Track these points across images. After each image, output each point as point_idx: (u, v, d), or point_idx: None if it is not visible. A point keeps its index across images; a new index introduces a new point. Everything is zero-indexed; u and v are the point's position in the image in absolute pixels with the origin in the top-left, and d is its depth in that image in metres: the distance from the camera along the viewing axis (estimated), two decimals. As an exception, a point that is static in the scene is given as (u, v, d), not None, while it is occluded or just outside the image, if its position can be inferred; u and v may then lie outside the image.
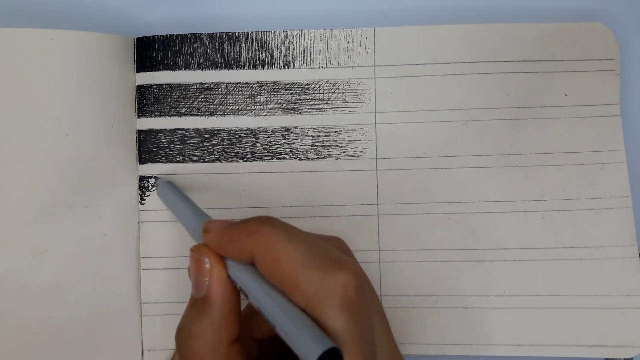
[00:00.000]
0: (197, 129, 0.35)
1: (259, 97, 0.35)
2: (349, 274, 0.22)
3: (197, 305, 0.25)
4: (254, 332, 0.28)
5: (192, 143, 0.35)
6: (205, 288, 0.24)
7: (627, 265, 0.34)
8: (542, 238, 0.34)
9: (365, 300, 0.23)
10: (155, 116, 0.35)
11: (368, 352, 0.22)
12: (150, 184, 0.34)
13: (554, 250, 0.34)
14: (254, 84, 0.35)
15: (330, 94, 0.35)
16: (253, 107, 0.35)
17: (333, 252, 0.24)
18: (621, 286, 0.33)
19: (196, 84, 0.35)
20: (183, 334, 0.24)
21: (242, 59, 0.35)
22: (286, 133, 0.35)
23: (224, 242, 0.25)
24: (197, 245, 0.26)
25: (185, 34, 0.35)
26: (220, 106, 0.35)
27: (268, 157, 0.35)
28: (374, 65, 0.35)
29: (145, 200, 0.34)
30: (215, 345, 0.24)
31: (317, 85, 0.35)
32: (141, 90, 0.35)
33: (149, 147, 0.35)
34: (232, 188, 0.34)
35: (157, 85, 0.35)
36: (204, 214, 0.29)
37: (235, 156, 0.35)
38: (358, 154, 0.35)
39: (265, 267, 0.23)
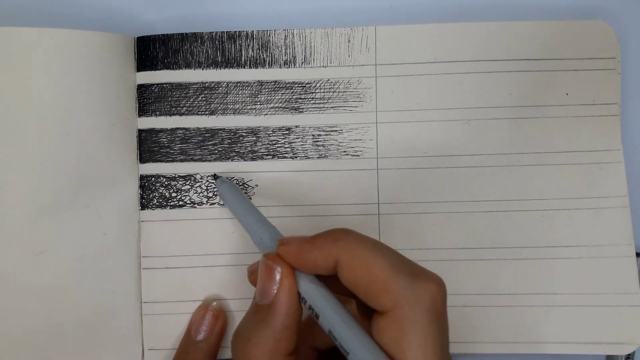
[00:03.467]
0: (198, 128, 0.34)
1: (259, 96, 0.35)
2: (437, 284, 0.23)
3: (260, 312, 0.25)
4: (313, 342, 0.28)
5: (192, 142, 0.34)
6: (271, 296, 0.25)
7: (624, 264, 0.34)
8: (542, 237, 0.34)
9: (446, 312, 0.24)
10: (156, 115, 0.34)
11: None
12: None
13: (553, 249, 0.34)
14: (254, 83, 0.35)
15: (331, 93, 0.35)
16: (254, 107, 0.35)
17: (415, 263, 0.24)
18: (618, 285, 0.34)
19: (197, 83, 0.34)
20: (241, 339, 0.25)
21: (243, 58, 0.35)
22: (287, 132, 0.35)
23: (304, 251, 0.25)
24: (271, 254, 0.26)
25: (186, 33, 0.34)
26: (221, 105, 0.35)
27: (269, 157, 0.35)
28: (375, 64, 0.35)
29: (144, 199, 0.34)
30: (272, 356, 0.24)
31: (318, 84, 0.35)
32: (142, 89, 0.34)
33: (149, 147, 0.34)
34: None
35: (157, 84, 0.34)
36: (268, 222, 0.29)
37: (236, 155, 0.34)
38: (359, 153, 0.35)
39: (352, 271, 0.23)
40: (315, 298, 0.25)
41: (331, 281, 0.25)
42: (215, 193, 0.34)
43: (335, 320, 0.24)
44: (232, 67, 0.35)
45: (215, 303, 0.34)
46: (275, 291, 0.25)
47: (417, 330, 0.22)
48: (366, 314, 0.25)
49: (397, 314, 0.22)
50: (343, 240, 0.24)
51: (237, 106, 0.35)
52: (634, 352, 0.34)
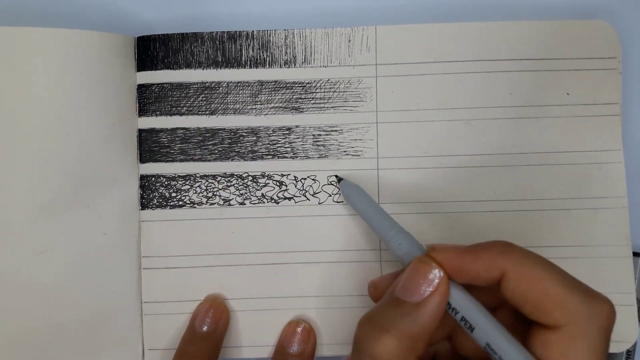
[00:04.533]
0: (198, 128, 0.34)
1: (260, 96, 0.34)
2: (610, 305, 0.23)
3: (403, 307, 0.24)
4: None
5: (193, 142, 0.34)
6: (421, 296, 0.24)
7: (620, 264, 0.34)
8: (540, 236, 0.34)
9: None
10: (156, 115, 0.34)
11: None
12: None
13: (551, 249, 0.34)
14: (255, 83, 0.34)
15: (331, 93, 0.35)
16: (254, 106, 0.35)
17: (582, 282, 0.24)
18: (615, 284, 0.34)
19: (197, 83, 0.34)
20: (377, 327, 0.24)
21: (243, 58, 0.34)
22: (287, 132, 0.35)
23: (466, 261, 0.25)
24: (430, 256, 0.26)
25: (186, 33, 0.34)
26: (221, 105, 0.34)
27: (269, 157, 0.34)
28: (376, 64, 0.35)
29: (145, 199, 0.34)
30: (407, 352, 0.24)
31: (318, 84, 0.35)
32: (142, 89, 0.34)
33: (149, 146, 0.34)
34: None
35: (157, 84, 0.34)
36: (402, 227, 0.29)
37: (236, 155, 0.34)
38: (359, 153, 0.35)
39: (521, 285, 0.23)
40: (471, 310, 0.24)
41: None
42: (214, 193, 0.34)
43: (495, 335, 0.23)
44: (232, 67, 0.34)
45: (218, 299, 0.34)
46: (428, 292, 0.24)
47: (590, 347, 0.22)
48: (511, 326, 0.25)
49: (572, 330, 0.22)
50: (511, 253, 0.24)
51: (238, 106, 0.34)
52: (634, 349, 0.35)
